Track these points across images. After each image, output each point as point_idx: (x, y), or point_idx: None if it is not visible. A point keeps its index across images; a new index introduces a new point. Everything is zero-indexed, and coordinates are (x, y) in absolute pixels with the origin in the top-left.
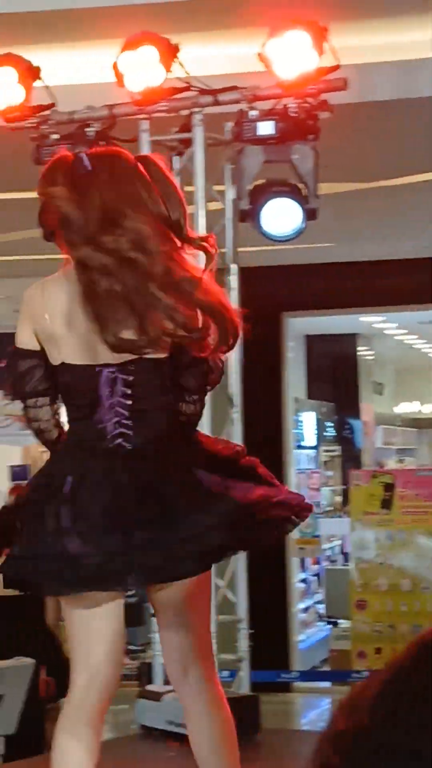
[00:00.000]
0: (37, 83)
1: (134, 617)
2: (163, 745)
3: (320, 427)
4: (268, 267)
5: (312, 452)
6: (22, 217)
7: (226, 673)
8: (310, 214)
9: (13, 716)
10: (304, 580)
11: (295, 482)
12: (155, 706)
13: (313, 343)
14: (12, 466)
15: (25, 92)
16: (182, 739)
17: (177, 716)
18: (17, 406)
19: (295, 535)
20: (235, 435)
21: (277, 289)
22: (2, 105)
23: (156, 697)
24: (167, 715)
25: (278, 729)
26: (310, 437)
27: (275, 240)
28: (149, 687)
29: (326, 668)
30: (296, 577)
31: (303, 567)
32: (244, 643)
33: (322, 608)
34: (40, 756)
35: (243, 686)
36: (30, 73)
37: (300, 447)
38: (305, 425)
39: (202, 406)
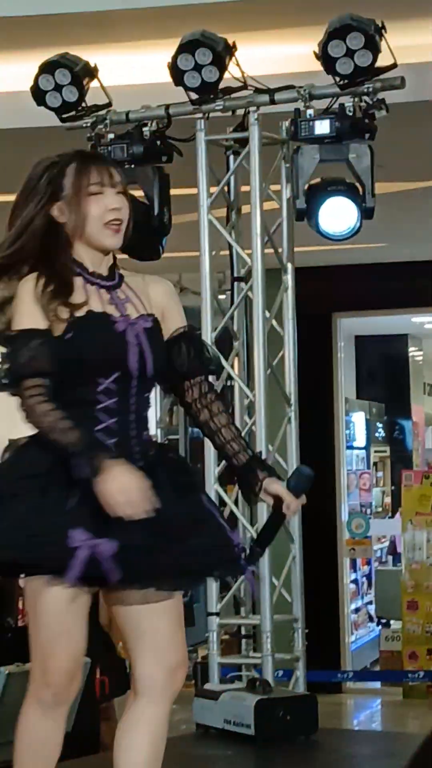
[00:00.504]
0: (93, 83)
1: (185, 618)
2: (221, 744)
3: (370, 428)
4: (318, 267)
5: (362, 453)
6: None
7: (280, 673)
8: (366, 213)
9: (69, 715)
10: (354, 581)
11: (345, 483)
12: (212, 704)
13: (363, 343)
14: None
15: (79, 92)
16: (240, 738)
17: (234, 715)
18: None
19: (345, 535)
20: (292, 434)
21: (327, 289)
22: (57, 104)
23: (213, 696)
24: (224, 714)
25: (333, 729)
26: (360, 438)
27: (332, 239)
28: (206, 686)
29: (377, 669)
30: (347, 578)
31: (353, 568)
32: (300, 643)
33: (372, 609)
34: (96, 755)
35: (299, 686)
36: (86, 72)
37: (350, 447)
38: (355, 426)
39: None
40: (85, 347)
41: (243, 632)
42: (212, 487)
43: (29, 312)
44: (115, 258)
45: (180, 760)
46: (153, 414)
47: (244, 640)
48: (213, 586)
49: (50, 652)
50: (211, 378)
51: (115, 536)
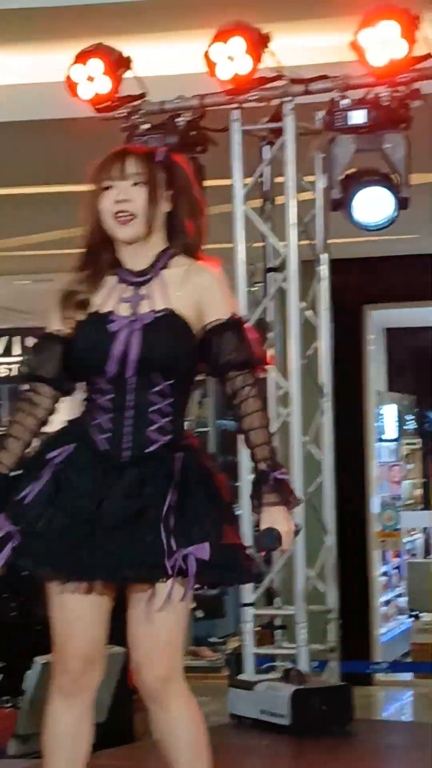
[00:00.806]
0: (127, 74)
1: (215, 610)
2: (256, 735)
3: (401, 420)
4: (349, 259)
5: (393, 445)
6: None
7: (314, 664)
8: (402, 204)
9: (103, 704)
10: (385, 573)
11: (376, 475)
12: (247, 695)
13: (394, 336)
14: None
15: (113, 83)
16: (275, 729)
17: (270, 705)
18: None
19: (376, 527)
20: (326, 424)
21: (358, 281)
22: (91, 95)
23: (248, 686)
24: (260, 704)
25: (368, 719)
26: (390, 430)
27: (367, 229)
28: (241, 676)
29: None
30: (378, 570)
31: (384, 560)
32: (334, 633)
33: (402, 601)
34: (130, 745)
35: (333, 677)
36: (120, 63)
37: (381, 440)
38: (386, 418)
39: None
40: (79, 348)
41: (276, 623)
42: (245, 478)
43: (53, 315)
44: (175, 250)
45: (215, 750)
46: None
47: (277, 631)
48: None
49: (66, 638)
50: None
51: (27, 525)
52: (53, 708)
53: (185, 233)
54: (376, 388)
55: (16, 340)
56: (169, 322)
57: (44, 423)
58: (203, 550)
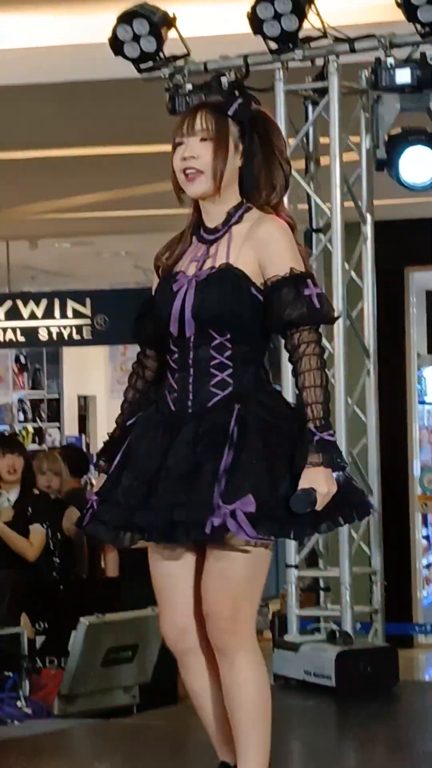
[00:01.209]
0: (171, 33)
1: None
2: (301, 695)
3: None
4: (390, 222)
5: None
6: (147, 172)
7: (358, 626)
8: None
9: (148, 666)
10: (426, 537)
11: (417, 438)
12: (292, 656)
13: None
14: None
15: (158, 42)
16: (320, 690)
17: (315, 666)
18: None
19: (417, 490)
20: (370, 387)
21: (399, 243)
22: (135, 55)
23: (293, 647)
24: (305, 665)
25: (413, 681)
26: (431, 393)
27: (412, 189)
28: (286, 637)
29: None
30: (420, 533)
31: (425, 523)
32: (379, 595)
33: None
34: (174, 706)
35: (378, 638)
36: (164, 22)
37: (422, 402)
38: (427, 381)
39: None
40: (154, 309)
41: (321, 585)
42: None
43: (154, 279)
44: (240, 203)
45: None
46: None
47: (322, 593)
48: None
49: (158, 602)
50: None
51: (104, 493)
52: (180, 669)
53: (258, 189)
54: (417, 350)
55: (57, 303)
56: (221, 276)
57: (156, 383)
58: (249, 503)
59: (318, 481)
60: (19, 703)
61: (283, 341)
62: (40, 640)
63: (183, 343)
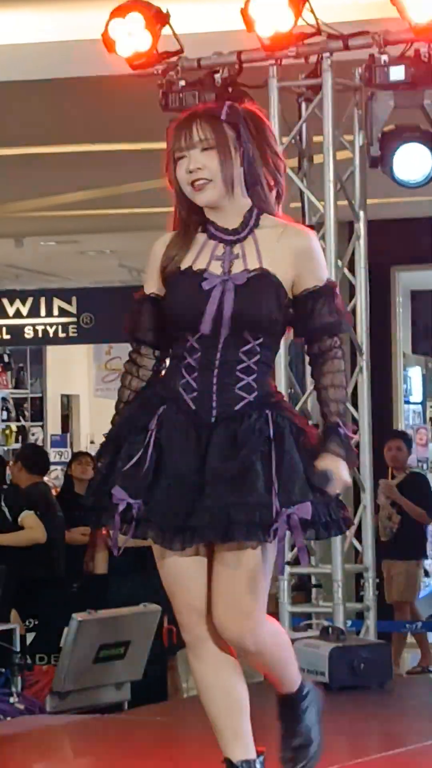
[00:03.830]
0: (165, 30)
1: None
2: None
3: (427, 383)
4: (377, 221)
5: (418, 408)
6: (133, 170)
7: (348, 622)
8: None
9: (140, 662)
10: None
11: None
12: None
13: (419, 298)
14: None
15: (152, 39)
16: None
17: (308, 663)
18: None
19: None
20: (363, 384)
21: (386, 243)
22: (129, 51)
23: None
24: (298, 661)
25: (407, 677)
26: (416, 393)
27: (406, 187)
28: None
29: None
30: (426, 533)
31: None
32: (371, 592)
33: (428, 564)
34: (165, 702)
35: (369, 634)
36: (158, 19)
37: (407, 402)
38: (412, 381)
39: None
40: (172, 305)
41: (313, 581)
42: None
43: (149, 276)
44: (258, 207)
45: (253, 707)
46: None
47: (314, 589)
48: None
49: (172, 593)
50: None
51: (145, 496)
52: (192, 668)
53: (262, 189)
54: (403, 350)
55: (43, 301)
56: (261, 281)
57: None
58: (305, 510)
59: (340, 469)
60: (11, 700)
61: (306, 346)
62: (29, 636)
63: (211, 342)
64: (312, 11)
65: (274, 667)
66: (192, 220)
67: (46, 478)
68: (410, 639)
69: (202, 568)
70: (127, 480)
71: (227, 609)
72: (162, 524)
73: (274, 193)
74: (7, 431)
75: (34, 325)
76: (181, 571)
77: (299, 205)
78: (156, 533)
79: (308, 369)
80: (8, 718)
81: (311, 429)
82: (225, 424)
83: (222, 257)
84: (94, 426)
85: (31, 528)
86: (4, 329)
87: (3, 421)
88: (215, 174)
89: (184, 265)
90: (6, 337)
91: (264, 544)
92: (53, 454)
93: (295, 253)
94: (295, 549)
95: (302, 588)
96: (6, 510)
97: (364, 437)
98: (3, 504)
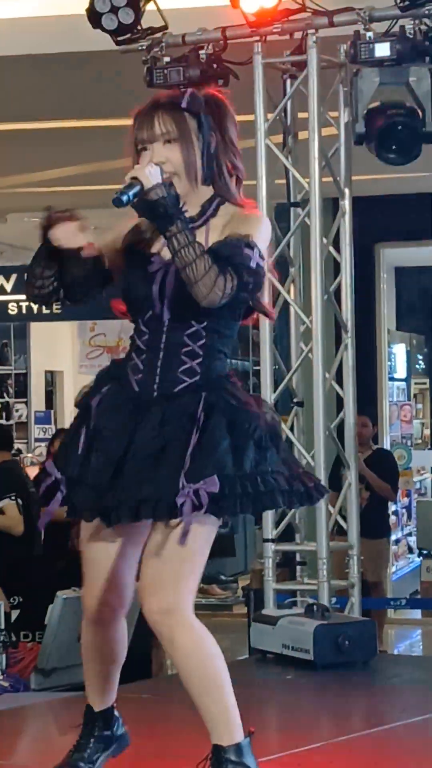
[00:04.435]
0: (149, 6)
1: (225, 548)
2: (279, 668)
3: (410, 360)
4: (361, 198)
5: (402, 384)
6: (120, 145)
7: (332, 600)
8: (427, 138)
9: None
10: (395, 513)
11: (387, 414)
12: (270, 630)
13: (403, 275)
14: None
15: (135, 14)
16: (299, 663)
17: (293, 640)
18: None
19: None
20: (348, 361)
21: (370, 220)
22: (113, 26)
23: (271, 621)
24: (283, 638)
25: (392, 654)
26: (401, 369)
27: (390, 164)
28: (264, 611)
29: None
30: (388, 509)
31: (394, 499)
32: (355, 570)
33: (412, 540)
34: (150, 679)
35: (354, 612)
36: None
37: (391, 379)
38: (396, 357)
39: None
40: (124, 288)
41: (298, 559)
42: None
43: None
44: (220, 196)
45: (239, 684)
46: None
47: (298, 567)
48: (269, 513)
49: (85, 577)
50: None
51: (70, 471)
52: (83, 630)
53: (223, 178)
54: (387, 326)
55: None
56: None
57: None
58: (213, 483)
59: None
60: None
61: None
62: (14, 614)
63: (157, 325)
64: None
65: (196, 699)
66: None
67: (30, 455)
68: (391, 614)
69: (116, 557)
70: (59, 457)
71: (151, 581)
72: (81, 503)
73: (234, 179)
74: None
75: (18, 302)
76: (92, 556)
77: (284, 182)
78: (72, 511)
79: (293, 346)
80: None
81: (252, 408)
82: (160, 404)
83: None
84: None
85: (11, 518)
86: None
87: None
88: (179, 167)
89: (139, 246)
90: None
91: (192, 526)
92: (37, 431)
93: (226, 227)
94: (280, 525)
95: (287, 565)
96: None
97: (349, 415)
98: None
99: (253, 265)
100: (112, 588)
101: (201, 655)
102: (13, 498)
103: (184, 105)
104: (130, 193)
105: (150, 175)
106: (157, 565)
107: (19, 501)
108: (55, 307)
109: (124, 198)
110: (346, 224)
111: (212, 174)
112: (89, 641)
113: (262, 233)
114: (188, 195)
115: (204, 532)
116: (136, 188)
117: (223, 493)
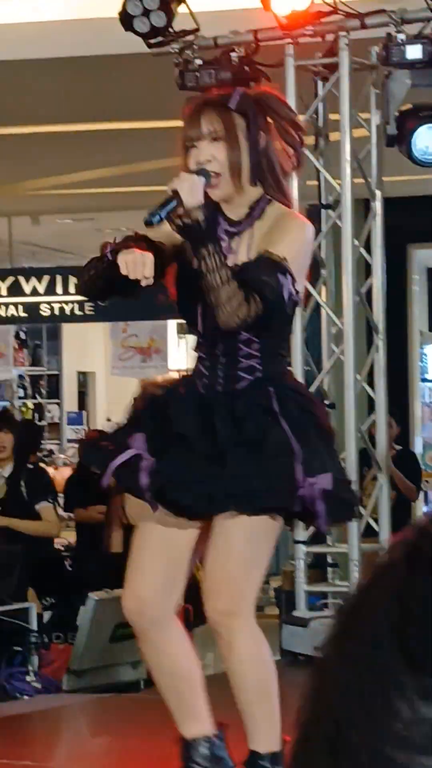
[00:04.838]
0: (181, 8)
1: None
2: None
3: None
4: (393, 198)
5: None
6: (150, 147)
7: None
8: None
9: (97, 650)
10: (425, 513)
11: (420, 415)
12: (301, 632)
13: None
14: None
15: (167, 17)
16: None
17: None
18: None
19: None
20: (380, 363)
21: (402, 220)
22: (145, 29)
23: (302, 623)
24: (315, 640)
25: None
26: None
27: (423, 165)
28: (295, 613)
29: None
30: (421, 510)
31: (426, 500)
32: None
33: None
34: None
35: None
36: None
37: (423, 380)
38: (428, 358)
39: None
40: (179, 303)
41: (329, 561)
42: None
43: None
44: (269, 195)
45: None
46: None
47: (329, 569)
48: None
49: (128, 578)
50: None
51: (157, 457)
52: (139, 641)
53: (274, 176)
54: (419, 328)
55: (59, 279)
56: None
57: None
58: (326, 480)
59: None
60: (28, 678)
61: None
62: (46, 615)
63: (211, 335)
64: None
65: (246, 707)
66: (207, 210)
67: (62, 455)
68: None
69: (164, 557)
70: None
71: (215, 583)
72: (184, 496)
73: (289, 175)
74: (24, 408)
75: (50, 303)
76: (141, 556)
77: (315, 183)
78: (177, 508)
79: (325, 348)
80: (25, 697)
81: (320, 406)
82: (226, 401)
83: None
84: (110, 404)
85: (49, 522)
86: (20, 307)
87: (20, 398)
88: (224, 166)
89: (187, 259)
90: (23, 314)
91: (264, 526)
92: (69, 432)
93: (266, 235)
94: (311, 528)
95: (319, 567)
96: (24, 491)
97: (381, 416)
98: (23, 484)
99: (285, 294)
100: (155, 590)
101: (255, 662)
102: (50, 501)
103: (232, 105)
104: (162, 213)
105: (191, 190)
106: (227, 565)
107: (56, 503)
108: (87, 308)
109: (155, 219)
110: (377, 225)
111: (261, 173)
112: (143, 653)
113: (303, 246)
114: (233, 195)
115: (273, 533)
116: (172, 204)
117: (331, 494)
